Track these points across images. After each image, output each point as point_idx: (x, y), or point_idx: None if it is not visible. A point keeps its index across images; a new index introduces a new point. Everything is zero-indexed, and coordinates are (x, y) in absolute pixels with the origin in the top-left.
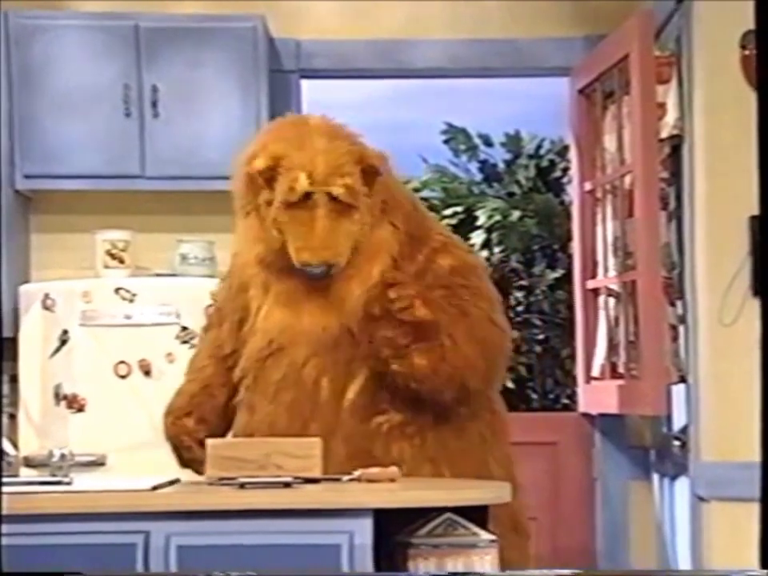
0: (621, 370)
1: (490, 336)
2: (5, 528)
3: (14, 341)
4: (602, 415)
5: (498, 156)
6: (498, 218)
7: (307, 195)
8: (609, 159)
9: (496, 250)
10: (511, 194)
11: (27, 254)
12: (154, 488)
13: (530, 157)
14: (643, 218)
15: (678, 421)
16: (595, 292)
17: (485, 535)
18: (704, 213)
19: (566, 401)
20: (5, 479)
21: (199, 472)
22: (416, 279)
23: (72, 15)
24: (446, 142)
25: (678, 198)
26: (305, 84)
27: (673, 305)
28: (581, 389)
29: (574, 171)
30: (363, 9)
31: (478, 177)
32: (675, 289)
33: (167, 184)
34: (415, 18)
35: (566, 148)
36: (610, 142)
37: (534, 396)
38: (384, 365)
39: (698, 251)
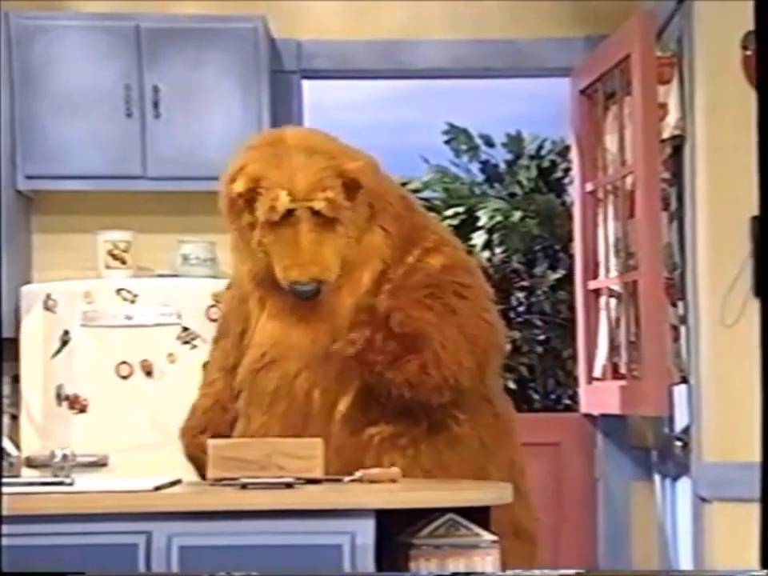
0: (622, 370)
1: (479, 332)
2: (7, 528)
3: (15, 341)
4: (604, 416)
5: (500, 156)
6: (499, 218)
7: (289, 212)
8: (610, 160)
9: (497, 250)
10: (512, 195)
11: (29, 254)
12: (156, 488)
13: (532, 157)
14: (644, 218)
15: (680, 421)
16: (597, 292)
17: (486, 536)
18: (705, 213)
19: (567, 401)
20: (7, 480)
21: None
22: (404, 279)
23: (73, 16)
24: (447, 142)
25: (680, 198)
26: (306, 84)
27: (674, 305)
28: (582, 389)
29: (575, 172)
30: (364, 9)
31: (480, 177)
32: (677, 289)
33: (168, 184)
34: (416, 18)
35: (567, 148)
36: (611, 142)
37: (536, 397)
38: (377, 374)
39: (700, 252)
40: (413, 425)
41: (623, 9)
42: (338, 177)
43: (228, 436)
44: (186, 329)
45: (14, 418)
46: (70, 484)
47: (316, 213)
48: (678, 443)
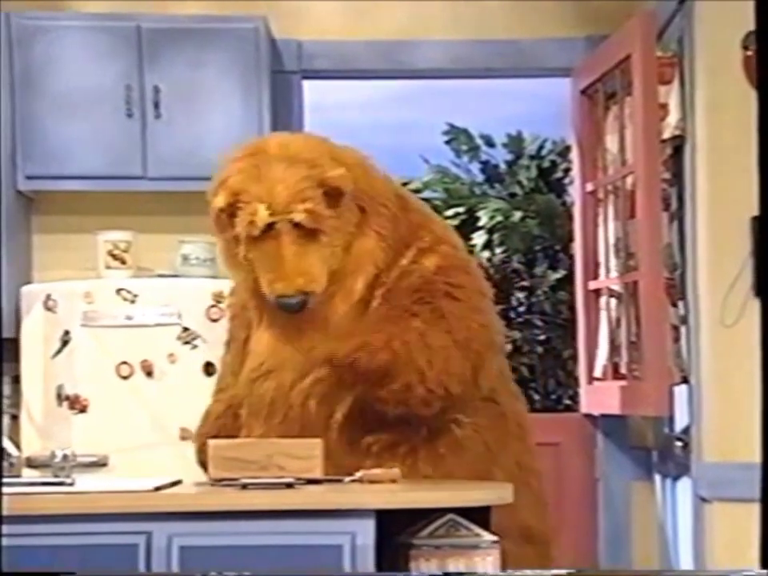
0: (623, 370)
1: (470, 334)
2: (7, 528)
3: (15, 341)
4: (604, 416)
5: (500, 157)
6: (499, 218)
7: (270, 226)
8: (610, 160)
9: (498, 250)
10: (513, 195)
11: (29, 254)
12: (156, 489)
13: (532, 157)
14: (645, 218)
15: (680, 421)
16: (597, 293)
17: (487, 536)
18: (706, 213)
19: (568, 401)
20: (7, 480)
21: None
22: (397, 282)
23: (73, 16)
24: (447, 142)
25: (680, 198)
26: (306, 85)
27: (675, 305)
28: (583, 389)
29: (575, 172)
30: (365, 9)
31: (480, 177)
32: (677, 289)
33: (169, 185)
34: (416, 18)
35: (567, 149)
36: (611, 142)
37: (536, 397)
38: (367, 392)
39: (700, 252)
40: (411, 432)
41: (624, 9)
42: (318, 186)
43: None
44: (186, 329)
45: (15, 418)
46: (71, 484)
47: (297, 225)
48: (679, 443)
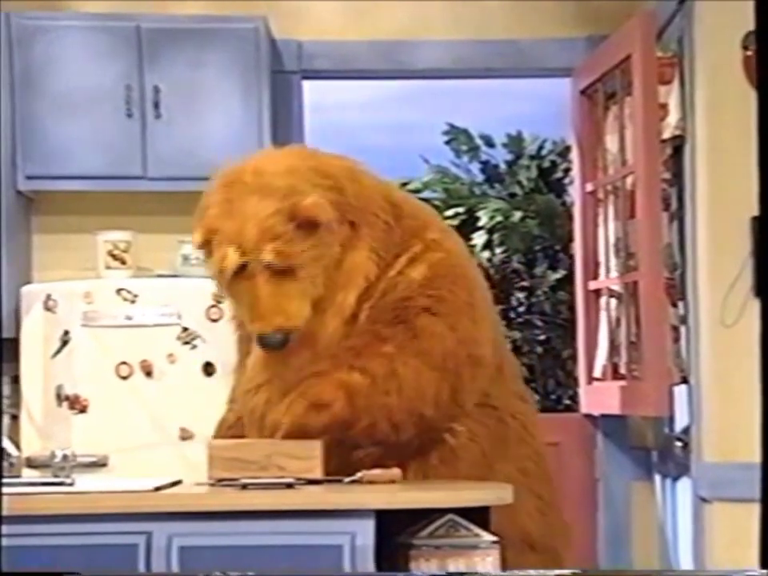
0: (623, 370)
1: (446, 351)
2: (7, 529)
3: (15, 341)
4: (604, 416)
5: (500, 157)
6: (499, 218)
7: (243, 266)
8: (610, 160)
9: (497, 250)
10: (513, 195)
11: (29, 254)
12: (156, 489)
13: (532, 157)
14: (645, 218)
15: (680, 422)
16: (597, 293)
17: (486, 536)
18: (706, 213)
19: (567, 402)
20: (7, 480)
21: None
22: (381, 297)
23: (73, 16)
24: (447, 142)
25: (680, 198)
26: (306, 85)
27: (675, 306)
28: (582, 390)
29: (575, 172)
30: (365, 9)
31: (480, 177)
32: (677, 290)
33: (169, 185)
34: (417, 18)
35: (567, 149)
36: (611, 142)
37: (536, 397)
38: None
39: (700, 252)
40: (402, 444)
41: (624, 9)
42: (290, 219)
43: None
44: (185, 329)
45: (14, 418)
46: (71, 484)
47: (269, 265)
48: (679, 443)
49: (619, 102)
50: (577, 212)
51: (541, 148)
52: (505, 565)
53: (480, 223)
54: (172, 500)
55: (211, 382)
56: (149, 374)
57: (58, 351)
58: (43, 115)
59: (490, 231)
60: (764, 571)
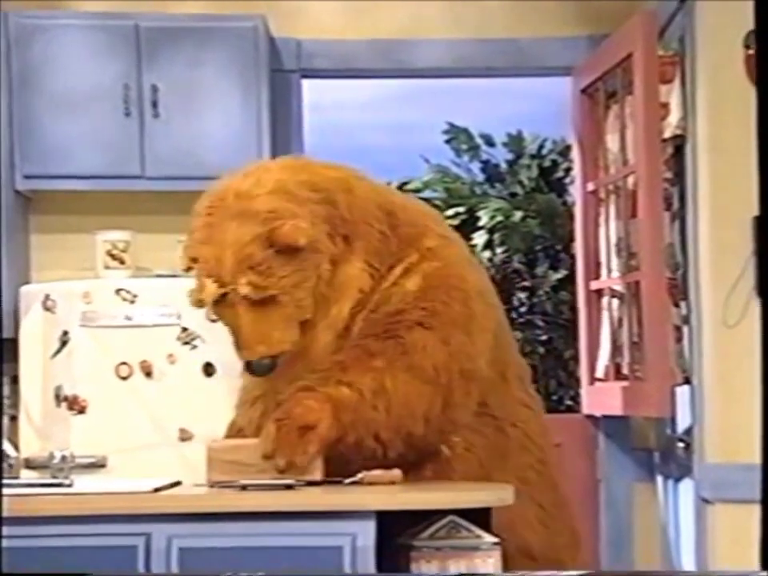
0: (625, 371)
1: (438, 364)
2: (5, 530)
3: (14, 342)
4: (606, 417)
5: (501, 156)
6: (500, 218)
7: (224, 295)
8: (612, 159)
9: (498, 250)
10: (513, 195)
11: (27, 254)
12: (156, 490)
13: (533, 157)
14: (647, 218)
15: (683, 422)
16: (598, 293)
17: (487, 538)
18: (708, 213)
19: (569, 402)
20: (6, 481)
21: None
22: (374, 309)
23: (72, 15)
24: (447, 141)
25: (682, 198)
26: (306, 84)
27: (677, 306)
28: (584, 390)
29: (576, 171)
30: (364, 8)
31: (480, 177)
32: (679, 290)
33: (167, 184)
34: (417, 17)
35: (568, 148)
36: (612, 141)
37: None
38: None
39: (702, 252)
40: (396, 457)
41: (625, 8)
42: (269, 246)
43: None
44: (185, 329)
45: (13, 418)
46: (69, 485)
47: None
48: (681, 444)
49: (620, 101)
50: (578, 211)
51: (541, 147)
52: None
53: (481, 223)
54: (171, 501)
55: (211, 383)
56: (148, 374)
57: (57, 352)
58: (41, 114)
59: (491, 231)
60: (764, 572)
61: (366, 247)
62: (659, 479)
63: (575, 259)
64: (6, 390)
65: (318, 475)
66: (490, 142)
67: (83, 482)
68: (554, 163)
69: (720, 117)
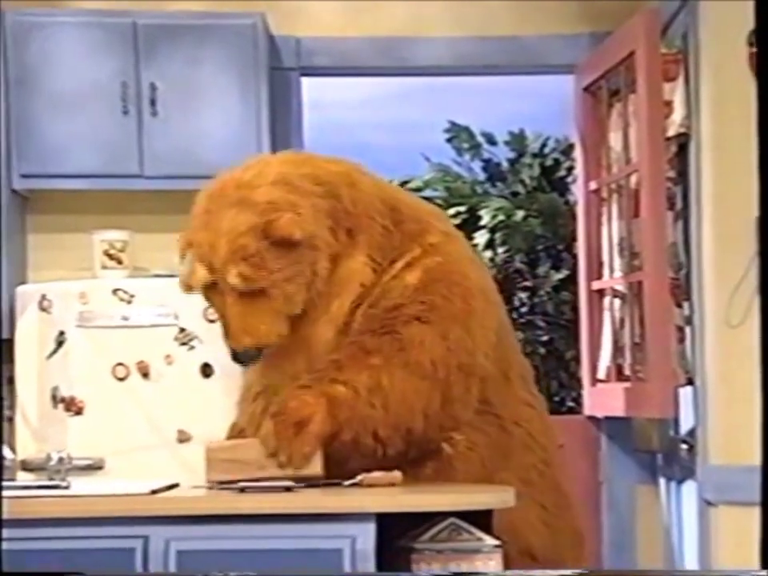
0: (627, 372)
1: (436, 359)
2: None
3: (10, 342)
4: (608, 418)
5: (502, 155)
6: (501, 217)
7: (214, 282)
8: (614, 158)
9: (500, 250)
10: (515, 194)
11: (24, 254)
12: (153, 492)
13: (535, 156)
14: (650, 217)
15: (685, 424)
16: (600, 293)
17: (489, 540)
18: (711, 212)
19: (571, 403)
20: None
21: None
22: (375, 303)
23: (69, 12)
24: (448, 140)
25: (685, 197)
26: (305, 82)
27: (679, 306)
28: (586, 391)
29: (579, 170)
30: (364, 5)
31: (482, 176)
32: (682, 290)
33: (166, 183)
34: (417, 14)
35: (570, 147)
36: (615, 140)
37: None
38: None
39: (705, 251)
40: (397, 455)
41: (628, 5)
42: (264, 237)
43: None
44: (183, 330)
45: (10, 420)
46: (66, 487)
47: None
48: (684, 446)
49: (623, 100)
50: (580, 211)
51: (543, 146)
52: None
53: (482, 222)
54: (169, 503)
55: (209, 384)
56: (146, 375)
57: (54, 352)
58: (38, 113)
59: (492, 230)
60: (765, 572)
61: (369, 241)
62: (662, 481)
63: (577, 259)
64: (2, 391)
65: (318, 469)
66: (491, 141)
67: (80, 484)
68: (556, 162)
69: (724, 115)
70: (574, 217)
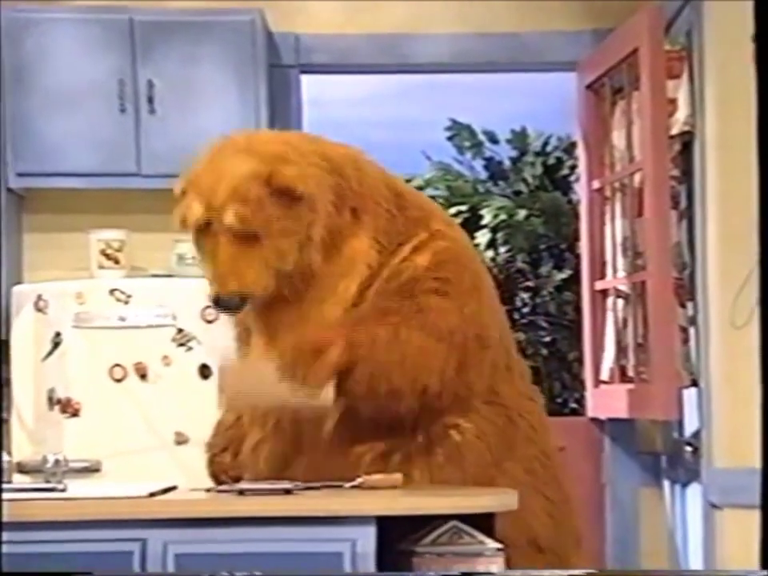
0: (630, 373)
1: (454, 327)
2: None
3: (6, 343)
4: (612, 420)
5: (504, 153)
6: (503, 217)
7: (208, 223)
8: (618, 156)
9: (501, 249)
10: (517, 193)
11: (20, 254)
12: (151, 494)
13: (537, 154)
14: (653, 217)
15: (690, 426)
16: (604, 293)
17: (491, 543)
18: (716, 212)
19: (573, 405)
20: None
21: None
22: (387, 282)
23: (65, 9)
24: (449, 138)
25: (689, 196)
26: (305, 79)
27: (683, 306)
28: (589, 393)
29: (581, 169)
30: (364, 2)
31: (483, 175)
32: (686, 290)
33: (163, 182)
34: (418, 11)
35: (573, 145)
36: (619, 138)
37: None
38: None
39: (710, 251)
40: (407, 439)
41: (631, 2)
42: (265, 184)
43: None
44: (180, 330)
45: (5, 422)
46: (63, 490)
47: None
48: (688, 448)
49: (626, 97)
50: (583, 210)
51: (546, 144)
52: (511, 567)
53: (483, 222)
54: (167, 506)
55: (207, 385)
56: (143, 376)
57: (50, 353)
58: (34, 111)
59: (494, 230)
60: (765, 572)
61: (374, 224)
62: (666, 484)
63: (580, 259)
64: None
65: (329, 399)
66: (493, 139)
67: (77, 487)
68: (559, 160)
69: (729, 113)
70: (576, 216)
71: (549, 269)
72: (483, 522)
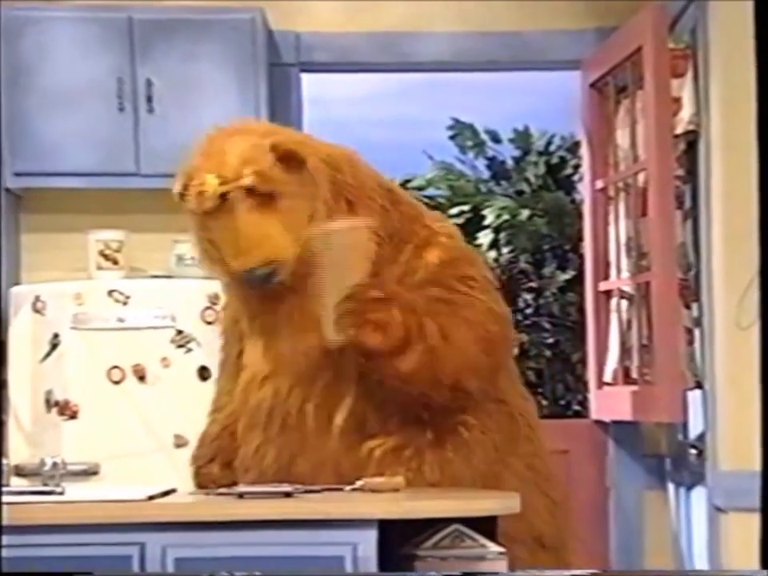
0: (634, 375)
1: (491, 327)
2: None
3: (3, 345)
4: (615, 422)
5: (507, 153)
6: (506, 217)
7: (224, 198)
8: (622, 156)
9: (504, 250)
10: (520, 193)
11: (17, 254)
12: (150, 498)
13: (540, 153)
14: (658, 217)
15: (695, 428)
16: (607, 294)
17: (493, 547)
18: (721, 212)
19: (577, 407)
20: None
21: None
22: (402, 280)
23: (64, 7)
24: (452, 138)
25: (694, 196)
26: (305, 78)
27: (688, 307)
28: (593, 395)
29: (585, 168)
30: (365, 1)
31: (486, 174)
32: (691, 291)
33: (163, 182)
34: (419, 9)
35: (577, 144)
36: (622, 138)
37: (544, 402)
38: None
39: (715, 252)
40: (417, 434)
41: (635, 0)
42: (270, 151)
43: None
44: (180, 332)
45: (2, 424)
46: (61, 493)
47: (250, 191)
48: (693, 451)
49: (630, 96)
50: (587, 210)
51: (549, 143)
52: (516, 563)
53: (486, 222)
54: (166, 509)
55: (206, 387)
56: (142, 378)
57: (47, 355)
58: (32, 110)
59: (497, 230)
60: (765, 572)
61: (369, 216)
62: (671, 486)
63: (583, 259)
64: None
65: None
66: (495, 138)
67: (75, 490)
68: (562, 160)
69: (734, 112)
70: (580, 216)
71: (552, 269)
72: (486, 524)
